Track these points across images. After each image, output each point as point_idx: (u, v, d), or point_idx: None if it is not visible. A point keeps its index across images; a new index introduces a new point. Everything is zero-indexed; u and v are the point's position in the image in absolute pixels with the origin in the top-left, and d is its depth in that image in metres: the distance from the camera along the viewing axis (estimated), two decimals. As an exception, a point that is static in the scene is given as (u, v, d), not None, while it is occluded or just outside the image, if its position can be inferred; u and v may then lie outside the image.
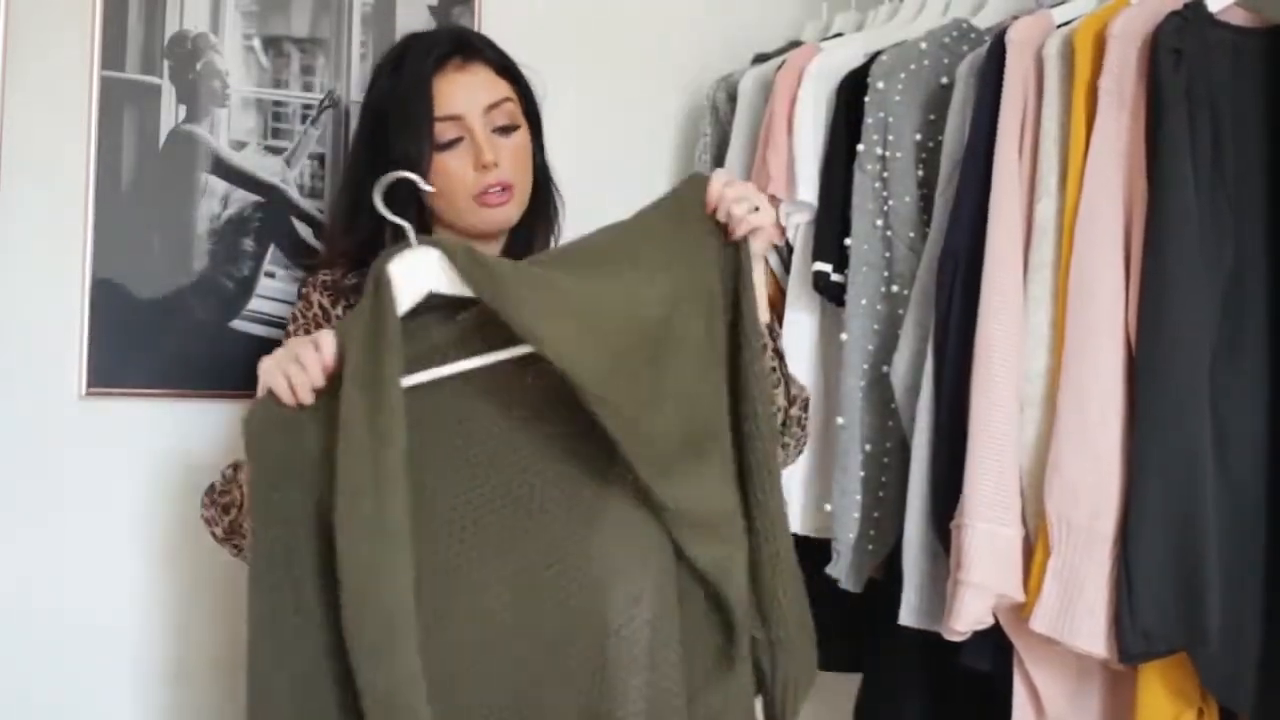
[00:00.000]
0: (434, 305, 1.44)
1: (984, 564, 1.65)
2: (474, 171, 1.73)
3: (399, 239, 1.48)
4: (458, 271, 1.41)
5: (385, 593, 1.32)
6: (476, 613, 1.42)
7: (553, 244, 1.86)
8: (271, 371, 1.43)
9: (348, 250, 1.78)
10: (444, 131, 1.73)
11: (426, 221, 1.79)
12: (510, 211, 1.77)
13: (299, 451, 1.39)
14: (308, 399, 1.41)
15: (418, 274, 1.43)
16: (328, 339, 1.42)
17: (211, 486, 1.71)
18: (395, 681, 1.32)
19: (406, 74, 1.75)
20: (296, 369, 1.41)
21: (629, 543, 1.45)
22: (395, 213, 1.53)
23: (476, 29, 2.15)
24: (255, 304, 2.08)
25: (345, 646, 1.33)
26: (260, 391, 1.44)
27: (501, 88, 1.77)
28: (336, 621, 1.34)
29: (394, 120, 1.74)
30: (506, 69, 1.79)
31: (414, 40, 1.81)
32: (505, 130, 1.76)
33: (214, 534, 1.73)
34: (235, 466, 1.69)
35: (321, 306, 1.76)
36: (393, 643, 1.32)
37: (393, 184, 1.58)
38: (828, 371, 2.02)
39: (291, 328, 1.77)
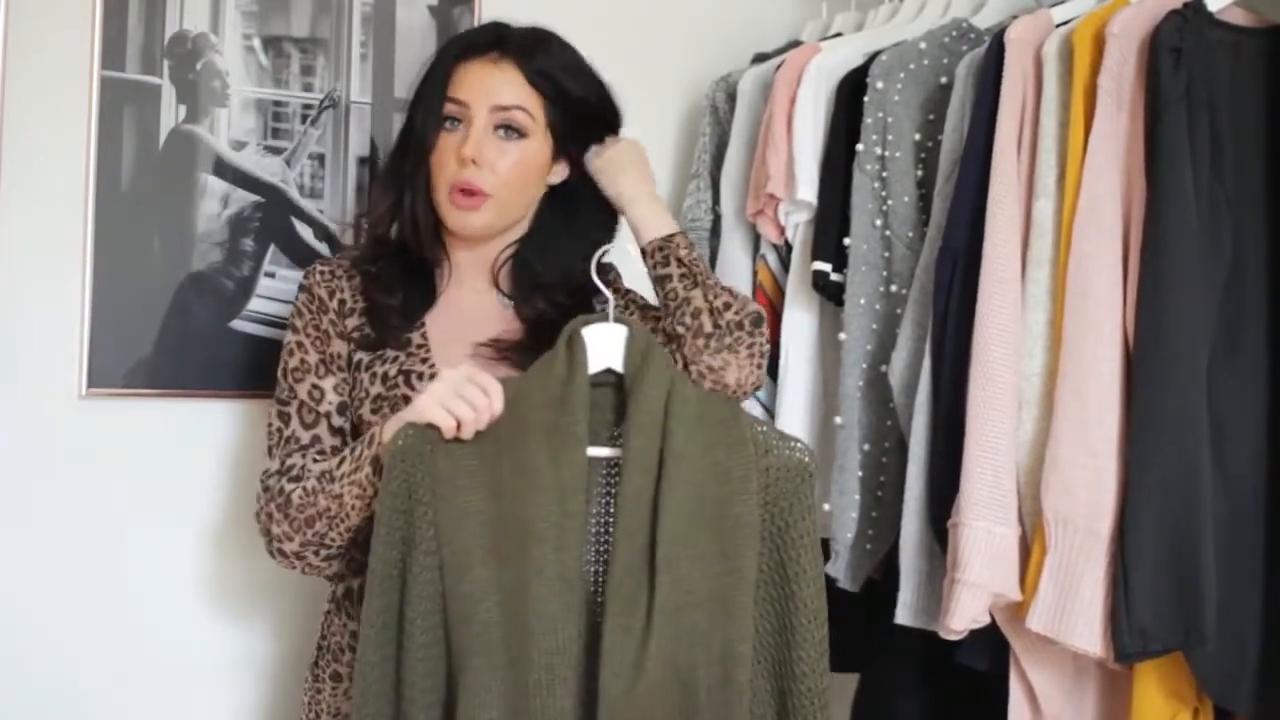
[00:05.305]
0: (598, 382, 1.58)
1: (980, 563, 1.65)
2: (454, 161, 1.73)
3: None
4: (624, 347, 1.56)
5: (562, 639, 1.48)
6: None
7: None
8: (433, 409, 1.52)
9: (384, 238, 1.80)
10: (448, 110, 1.75)
11: (434, 213, 1.79)
12: (478, 219, 1.75)
13: (429, 480, 1.52)
14: (469, 437, 1.53)
15: (604, 347, 1.57)
16: (496, 388, 1.53)
17: (286, 500, 1.63)
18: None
19: (439, 53, 1.81)
20: (467, 409, 1.51)
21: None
22: (404, 192, 1.77)
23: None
24: (255, 304, 2.08)
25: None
26: (413, 417, 1.54)
27: (524, 94, 1.75)
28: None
29: (417, 93, 1.79)
30: (549, 79, 1.75)
31: (468, 31, 1.90)
32: (509, 138, 1.75)
33: (280, 549, 1.66)
34: (284, 472, 1.66)
35: (321, 298, 1.76)
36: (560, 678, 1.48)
37: (405, 162, 1.77)
38: (827, 371, 2.02)
39: (298, 322, 1.76)
